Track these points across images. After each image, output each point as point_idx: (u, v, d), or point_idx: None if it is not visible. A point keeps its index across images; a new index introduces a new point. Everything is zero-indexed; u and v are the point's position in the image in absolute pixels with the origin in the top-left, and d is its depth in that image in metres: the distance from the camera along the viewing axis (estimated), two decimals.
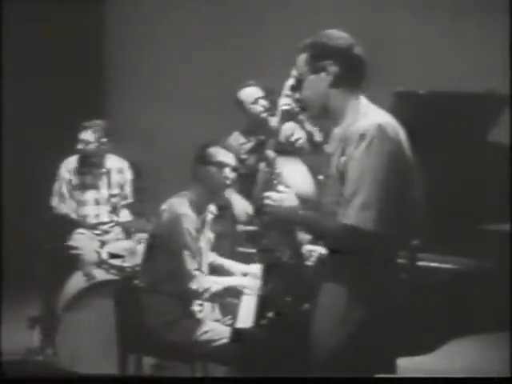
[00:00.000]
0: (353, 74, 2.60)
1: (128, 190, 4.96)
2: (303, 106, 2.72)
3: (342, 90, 2.59)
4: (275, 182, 2.72)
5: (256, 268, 3.66)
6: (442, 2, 5.72)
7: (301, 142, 4.43)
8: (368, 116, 2.52)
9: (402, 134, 2.53)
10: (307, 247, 2.78)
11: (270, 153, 2.78)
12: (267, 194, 2.66)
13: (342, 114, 2.59)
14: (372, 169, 2.42)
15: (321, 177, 2.66)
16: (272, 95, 4.67)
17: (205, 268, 3.72)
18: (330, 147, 2.64)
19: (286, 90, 3.06)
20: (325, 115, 2.66)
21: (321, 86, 2.60)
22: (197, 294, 3.59)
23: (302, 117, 3.05)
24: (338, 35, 2.63)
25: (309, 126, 4.57)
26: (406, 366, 2.72)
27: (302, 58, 2.64)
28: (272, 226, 2.85)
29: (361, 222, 2.40)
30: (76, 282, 4.37)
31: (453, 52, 5.65)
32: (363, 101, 2.60)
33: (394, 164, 2.45)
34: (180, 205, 3.63)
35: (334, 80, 2.58)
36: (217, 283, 3.62)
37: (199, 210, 3.68)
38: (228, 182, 3.69)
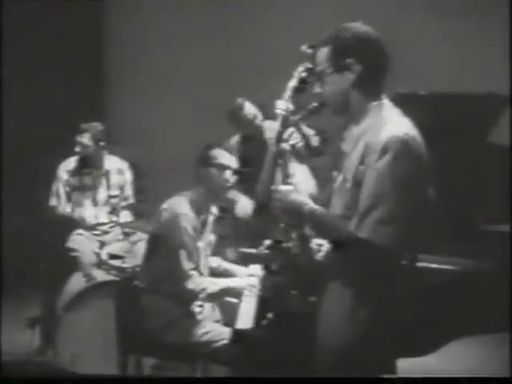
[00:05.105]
0: (376, 73, 2.51)
1: (129, 190, 4.95)
2: (323, 102, 2.63)
3: (365, 89, 2.49)
4: (286, 170, 2.69)
5: (257, 269, 3.65)
6: (443, 3, 5.72)
7: (298, 146, 4.40)
8: (390, 124, 2.42)
9: (422, 144, 2.44)
10: (316, 241, 2.75)
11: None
12: (277, 188, 2.61)
13: (362, 114, 2.50)
14: (393, 185, 2.35)
15: (335, 173, 2.60)
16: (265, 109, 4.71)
17: (203, 268, 3.72)
18: (346, 146, 2.57)
19: (289, 92, 3.01)
20: (344, 113, 2.57)
21: (343, 85, 2.49)
22: (193, 294, 3.58)
23: (297, 119, 2.98)
24: (363, 30, 2.51)
25: (305, 130, 4.55)
26: (407, 366, 2.71)
27: (324, 51, 2.52)
28: (279, 218, 2.80)
29: (377, 238, 2.35)
30: (76, 282, 4.37)
31: (453, 52, 5.65)
32: (387, 104, 2.52)
33: (414, 180, 2.39)
34: (180, 204, 3.63)
35: (357, 79, 2.48)
36: (215, 284, 3.62)
37: (199, 210, 3.68)
38: (228, 184, 3.68)
